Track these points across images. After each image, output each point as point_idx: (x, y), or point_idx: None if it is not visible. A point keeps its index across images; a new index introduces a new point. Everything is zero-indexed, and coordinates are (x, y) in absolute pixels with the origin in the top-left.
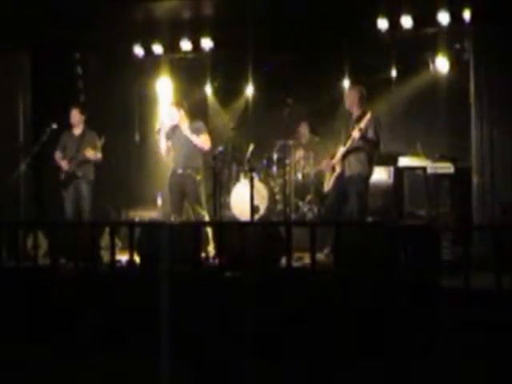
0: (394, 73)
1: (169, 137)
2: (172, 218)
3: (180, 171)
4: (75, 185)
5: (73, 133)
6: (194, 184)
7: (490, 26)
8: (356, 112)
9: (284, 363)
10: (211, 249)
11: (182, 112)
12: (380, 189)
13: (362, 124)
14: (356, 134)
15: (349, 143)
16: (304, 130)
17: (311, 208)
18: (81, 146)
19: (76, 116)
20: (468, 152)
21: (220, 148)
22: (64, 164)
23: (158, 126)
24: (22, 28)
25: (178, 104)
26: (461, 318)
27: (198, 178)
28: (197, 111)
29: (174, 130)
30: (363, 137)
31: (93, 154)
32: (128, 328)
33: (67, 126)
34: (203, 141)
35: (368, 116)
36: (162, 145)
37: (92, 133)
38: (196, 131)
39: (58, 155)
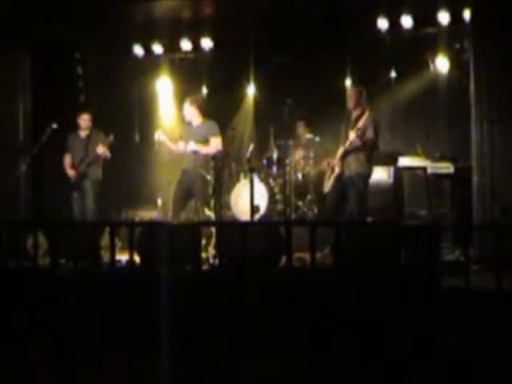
0: (394, 73)
1: (182, 137)
2: (169, 216)
3: (190, 169)
4: (83, 184)
5: (79, 134)
6: (203, 183)
7: (490, 26)
8: (355, 112)
9: (284, 363)
10: (211, 249)
11: (194, 109)
12: (380, 189)
13: (360, 124)
14: (353, 134)
15: (347, 143)
16: (301, 128)
17: (311, 208)
18: (88, 146)
19: (87, 121)
20: (468, 152)
21: (220, 147)
22: (70, 173)
23: (156, 136)
24: (22, 28)
25: (192, 101)
26: (461, 317)
27: (208, 177)
28: None
29: (186, 128)
30: (362, 137)
31: (104, 150)
32: (128, 328)
33: (72, 128)
34: (214, 146)
35: (366, 116)
36: (173, 147)
37: (99, 133)
38: (207, 134)
39: (67, 160)
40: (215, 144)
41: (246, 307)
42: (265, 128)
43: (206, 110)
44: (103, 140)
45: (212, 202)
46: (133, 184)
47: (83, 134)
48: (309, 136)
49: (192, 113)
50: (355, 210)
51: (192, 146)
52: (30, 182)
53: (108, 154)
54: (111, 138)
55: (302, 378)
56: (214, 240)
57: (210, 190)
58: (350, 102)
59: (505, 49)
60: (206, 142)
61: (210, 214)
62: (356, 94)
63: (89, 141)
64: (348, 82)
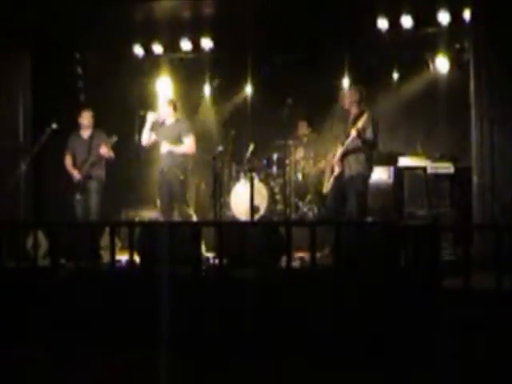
0: (394, 73)
1: (154, 129)
2: (161, 219)
3: (165, 169)
4: (87, 185)
5: (81, 135)
6: (178, 182)
7: (490, 26)
8: (354, 112)
9: (283, 363)
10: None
11: (170, 109)
12: (380, 189)
13: (360, 124)
14: (353, 134)
15: (347, 143)
16: (303, 128)
17: (311, 208)
18: (91, 146)
19: (88, 118)
20: (468, 152)
21: (220, 148)
22: (75, 174)
23: (142, 112)
24: (22, 28)
25: (169, 101)
26: (461, 317)
27: (181, 177)
28: (196, 111)
29: (160, 126)
30: (361, 137)
31: (107, 151)
32: (128, 328)
33: (73, 128)
34: (187, 146)
35: (365, 116)
36: (144, 135)
37: (101, 133)
38: (180, 133)
39: (68, 161)
40: (189, 143)
41: (245, 307)
42: (265, 128)
43: (202, 110)
44: (106, 140)
45: (191, 202)
46: (133, 184)
47: (85, 133)
48: (312, 136)
49: (167, 112)
50: (355, 210)
51: (166, 147)
52: (30, 182)
53: (112, 154)
54: (114, 138)
55: (302, 378)
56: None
57: (188, 190)
58: (348, 102)
59: (505, 49)
60: (179, 141)
61: (191, 213)
62: (354, 95)
63: (91, 141)
64: (348, 82)
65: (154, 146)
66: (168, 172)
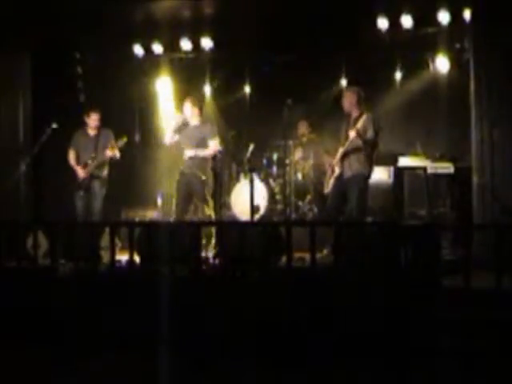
0: (394, 73)
1: (177, 132)
2: (172, 219)
3: (187, 171)
4: (92, 185)
5: (88, 133)
6: (199, 184)
7: (490, 26)
8: (354, 113)
9: (284, 363)
10: (211, 248)
11: (196, 110)
12: (380, 189)
13: (359, 125)
14: (353, 134)
15: (347, 144)
16: (303, 128)
17: (311, 208)
18: (98, 145)
19: (96, 121)
20: (468, 152)
21: (220, 148)
22: (80, 171)
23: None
24: (22, 28)
25: (194, 101)
26: (461, 317)
27: (203, 177)
28: None
29: (184, 127)
30: (361, 137)
31: (114, 153)
32: (128, 328)
33: (74, 128)
34: (212, 148)
35: (364, 116)
36: (168, 135)
37: (109, 132)
38: (205, 136)
39: (72, 158)
40: (214, 146)
41: (245, 307)
42: (265, 128)
43: (206, 110)
44: (114, 141)
45: (211, 202)
46: (133, 184)
47: (92, 132)
48: (311, 136)
49: (193, 113)
50: (355, 210)
51: (189, 152)
52: (29, 182)
53: (118, 155)
54: (124, 139)
55: (302, 377)
56: (214, 240)
57: (207, 190)
58: (348, 103)
59: (505, 49)
60: (203, 143)
61: (210, 213)
62: (354, 96)
63: (98, 140)
64: (347, 82)
65: (156, 146)
66: (189, 173)
